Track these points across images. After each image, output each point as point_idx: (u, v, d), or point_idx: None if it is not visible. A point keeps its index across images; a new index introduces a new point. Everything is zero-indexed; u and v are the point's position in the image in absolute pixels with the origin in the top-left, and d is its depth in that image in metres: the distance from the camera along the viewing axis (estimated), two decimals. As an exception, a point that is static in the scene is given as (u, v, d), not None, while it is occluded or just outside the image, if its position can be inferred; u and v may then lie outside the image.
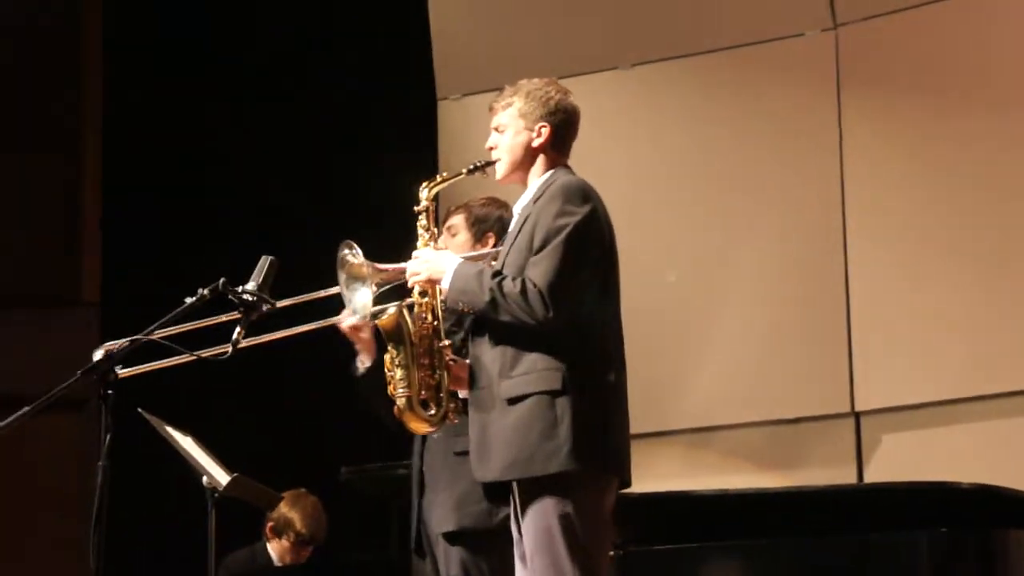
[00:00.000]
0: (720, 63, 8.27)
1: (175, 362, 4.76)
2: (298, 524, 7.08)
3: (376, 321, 4.48)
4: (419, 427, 4.47)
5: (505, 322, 4.24)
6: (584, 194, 4.35)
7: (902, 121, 7.81)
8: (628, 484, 4.38)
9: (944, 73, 7.77)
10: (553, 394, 4.21)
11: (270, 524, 7.14)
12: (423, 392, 4.42)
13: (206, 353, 4.60)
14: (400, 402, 4.42)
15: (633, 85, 8.42)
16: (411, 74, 8.81)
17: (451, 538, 4.91)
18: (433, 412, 4.43)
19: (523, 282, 4.22)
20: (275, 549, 7.19)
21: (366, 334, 4.94)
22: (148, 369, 4.80)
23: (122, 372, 4.36)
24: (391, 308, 4.47)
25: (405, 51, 8.87)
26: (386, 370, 4.45)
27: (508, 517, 4.74)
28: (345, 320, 4.91)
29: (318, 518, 7.13)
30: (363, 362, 4.96)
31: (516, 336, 4.26)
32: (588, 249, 4.29)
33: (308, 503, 7.12)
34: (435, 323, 4.45)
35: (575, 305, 4.23)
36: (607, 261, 4.36)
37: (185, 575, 6.12)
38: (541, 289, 4.19)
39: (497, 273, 4.29)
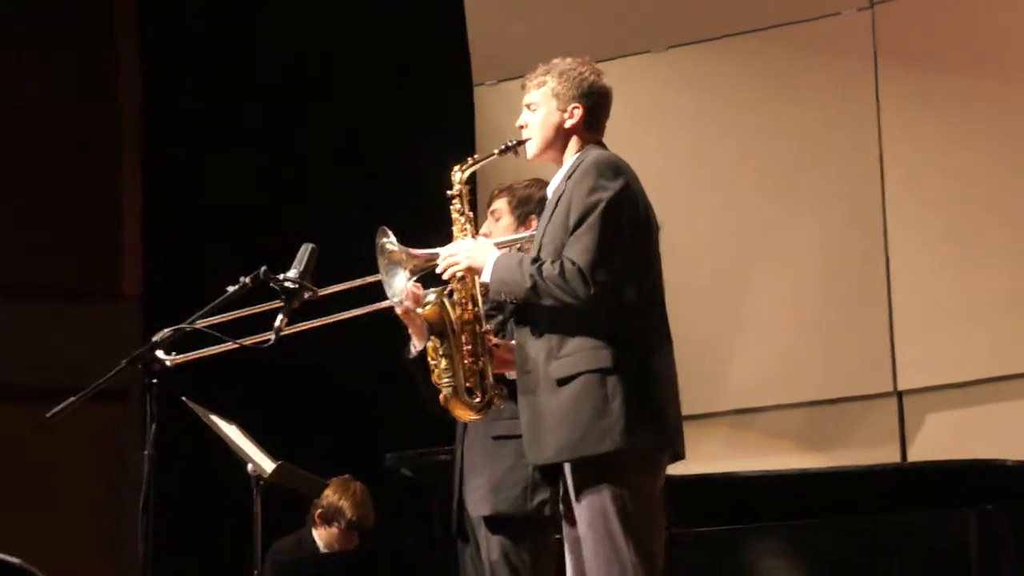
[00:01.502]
0: (755, 44, 8.25)
1: (219, 350, 4.77)
2: (348, 511, 7.10)
3: (418, 311, 4.48)
4: (465, 415, 4.47)
5: (549, 306, 4.24)
6: (616, 168, 4.33)
7: (940, 98, 7.78)
8: (681, 456, 4.36)
9: (980, 49, 7.74)
10: (603, 372, 4.20)
11: (319, 511, 7.16)
12: (468, 380, 4.41)
13: (249, 341, 4.62)
14: (445, 391, 4.42)
15: (668, 68, 8.40)
16: (447, 60, 8.81)
17: (490, 523, 4.92)
18: (478, 399, 4.42)
19: (561, 263, 4.21)
20: (322, 536, 7.21)
21: (421, 320, 4.94)
22: (194, 357, 4.81)
23: (170, 359, 4.38)
24: (431, 297, 4.46)
25: (441, 37, 8.87)
26: (430, 359, 4.46)
27: (544, 502, 4.78)
28: (404, 303, 4.90)
29: (366, 504, 7.16)
30: (416, 346, 4.96)
31: (560, 319, 4.25)
32: (624, 223, 4.27)
33: (356, 489, 7.14)
34: (476, 309, 4.45)
35: (616, 279, 4.22)
36: (644, 234, 4.34)
37: (232, 562, 6.15)
38: (581, 267, 4.19)
39: (536, 259, 4.28)
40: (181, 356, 4.65)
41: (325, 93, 9.00)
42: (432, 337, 4.45)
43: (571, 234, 4.27)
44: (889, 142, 7.86)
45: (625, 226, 4.28)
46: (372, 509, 7.19)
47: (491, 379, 4.42)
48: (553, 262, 4.24)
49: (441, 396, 4.44)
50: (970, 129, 7.72)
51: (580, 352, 4.24)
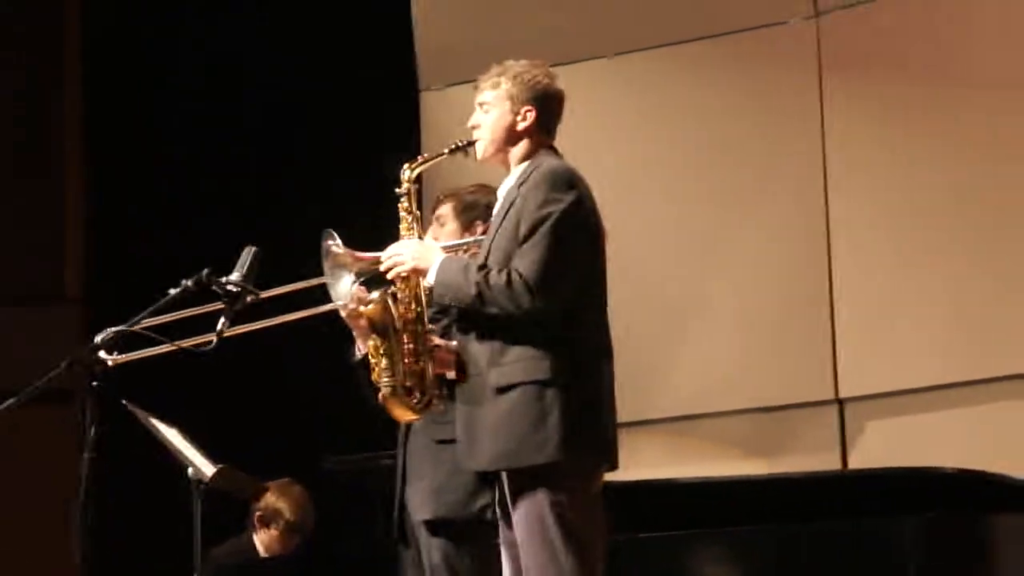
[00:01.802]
0: (702, 51, 8.27)
1: (160, 351, 4.75)
2: (287, 513, 7.08)
3: (361, 310, 4.47)
4: (403, 414, 4.45)
5: (492, 314, 4.23)
6: (570, 180, 4.32)
7: (884, 106, 7.82)
8: (615, 467, 4.37)
9: (926, 59, 7.78)
10: (542, 384, 4.19)
11: (258, 514, 7.13)
12: (408, 380, 4.40)
13: (190, 343, 4.60)
14: (384, 390, 4.40)
15: (615, 74, 8.42)
16: (392, 64, 8.79)
17: (431, 527, 4.91)
18: (417, 399, 4.41)
19: (509, 273, 4.20)
20: (262, 540, 7.18)
21: (365, 321, 4.93)
22: (135, 358, 4.78)
23: (111, 359, 4.36)
24: (375, 295, 4.46)
25: (387, 41, 8.85)
26: (370, 358, 4.45)
27: (486, 506, 4.77)
28: (349, 305, 4.89)
29: (306, 507, 7.13)
30: (360, 348, 4.96)
31: (503, 326, 4.25)
32: (574, 237, 4.26)
33: (296, 492, 7.12)
34: (418, 309, 4.43)
35: (561, 293, 4.22)
36: (593, 248, 4.34)
37: (171, 566, 6.11)
38: (527, 279, 4.18)
39: (483, 266, 4.28)
40: (123, 356, 4.63)
41: (270, 92, 8.97)
42: (374, 336, 4.44)
43: (520, 245, 4.25)
44: (833, 151, 7.90)
45: (575, 240, 4.27)
46: (312, 511, 7.16)
47: (431, 379, 4.40)
48: (500, 271, 4.23)
49: (380, 395, 4.42)
50: (914, 138, 7.76)
51: (521, 361, 4.23)
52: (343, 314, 4.82)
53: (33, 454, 9.07)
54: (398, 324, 4.41)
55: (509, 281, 4.19)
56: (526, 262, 4.21)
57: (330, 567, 6.77)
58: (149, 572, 7.73)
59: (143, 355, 4.86)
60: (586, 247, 4.31)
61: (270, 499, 6.97)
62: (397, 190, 4.50)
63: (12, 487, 9.09)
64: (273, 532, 7.13)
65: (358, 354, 4.92)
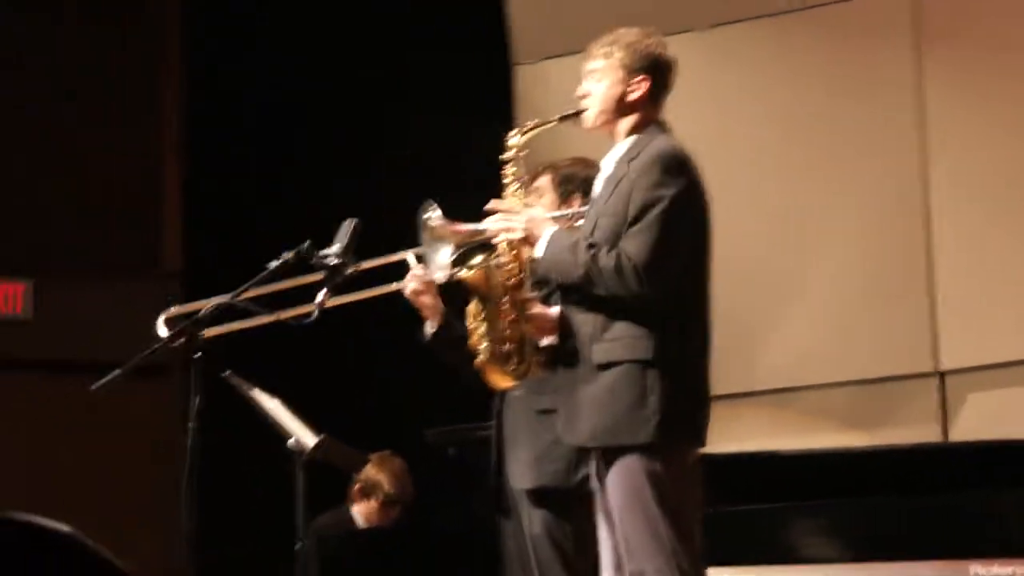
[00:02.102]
0: (798, 23, 8.23)
1: (259, 323, 4.78)
2: (386, 485, 7.13)
3: (464, 275, 4.44)
4: (500, 380, 4.43)
5: (600, 295, 4.21)
6: (681, 164, 4.27)
7: (983, 76, 7.75)
8: (704, 444, 4.34)
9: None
10: (644, 364, 4.17)
11: (357, 486, 7.18)
12: (507, 345, 4.37)
13: (290, 315, 4.63)
14: (482, 355, 4.38)
15: (711, 47, 8.37)
16: (487, 39, 8.79)
17: (533, 497, 4.91)
18: (515, 366, 4.38)
19: (618, 256, 4.16)
20: (361, 511, 7.23)
21: (428, 298, 4.93)
22: (233, 330, 4.82)
23: (209, 332, 4.39)
24: (477, 259, 4.42)
25: (480, 16, 8.85)
26: (469, 323, 4.43)
27: (588, 477, 4.76)
28: (408, 285, 4.91)
29: (405, 478, 7.18)
30: (431, 327, 4.97)
31: (608, 301, 4.22)
32: (684, 223, 4.23)
33: (395, 464, 7.16)
34: (521, 275, 4.39)
35: (669, 279, 4.18)
36: (702, 232, 4.30)
37: (274, 537, 6.16)
38: (637, 264, 4.14)
39: (591, 245, 4.23)
40: (219, 328, 4.67)
41: (368, 68, 8.99)
42: (474, 301, 4.41)
43: (629, 226, 4.21)
44: (932, 121, 7.83)
45: (684, 227, 4.24)
46: (411, 483, 7.20)
47: (530, 346, 4.37)
48: (609, 251, 4.19)
49: (478, 360, 4.40)
50: (1014, 108, 7.68)
51: (623, 339, 4.21)
52: (406, 294, 4.83)
53: (130, 427, 9.18)
54: (499, 289, 4.38)
55: (619, 265, 4.15)
56: (636, 245, 4.17)
57: (430, 538, 6.80)
58: (253, 542, 7.81)
59: (241, 327, 4.89)
60: (694, 233, 4.28)
61: (370, 471, 7.02)
62: (503, 156, 4.45)
63: (114, 458, 9.21)
64: (373, 504, 7.18)
65: (428, 332, 4.93)
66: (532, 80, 8.64)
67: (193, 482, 4.24)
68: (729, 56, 8.39)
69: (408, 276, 4.96)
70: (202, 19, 9.48)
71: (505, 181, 4.46)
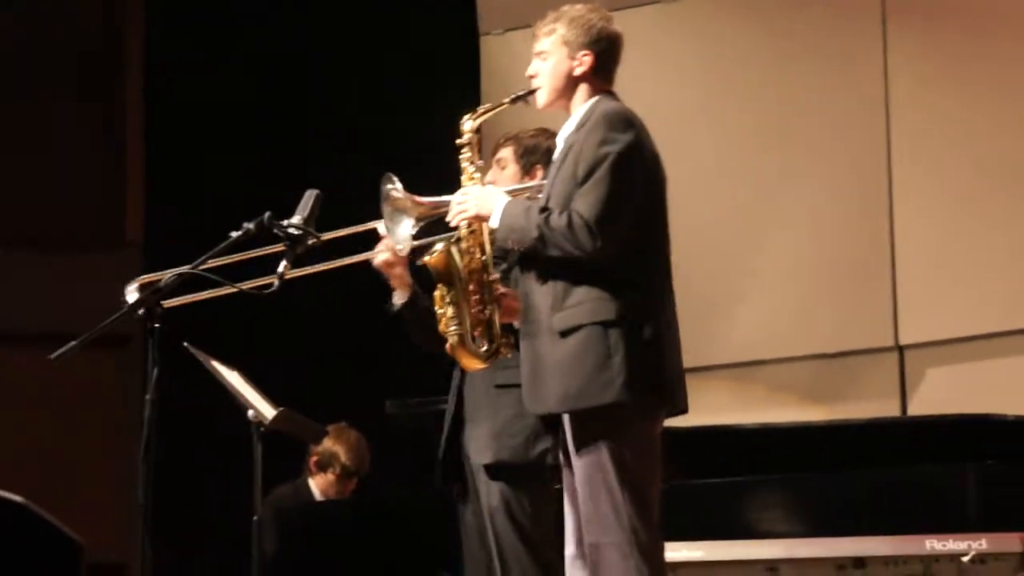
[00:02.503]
0: (764, -2, 8.23)
1: (219, 293, 4.76)
2: (343, 456, 7.12)
3: (424, 259, 4.45)
4: (471, 363, 4.43)
5: (554, 256, 4.23)
6: (627, 121, 4.30)
7: (948, 50, 7.77)
8: (684, 410, 4.35)
9: (991, 8, 7.77)
10: (606, 324, 4.18)
11: (314, 458, 7.18)
12: (475, 329, 4.38)
13: (251, 285, 4.61)
14: (452, 339, 4.38)
15: (677, 20, 8.37)
16: (452, 9, 8.77)
17: (491, 470, 4.92)
18: (485, 348, 4.39)
19: (569, 215, 4.18)
20: (318, 484, 7.23)
21: (399, 269, 4.93)
22: (193, 300, 4.80)
23: (168, 303, 4.37)
24: (439, 245, 4.43)
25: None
26: (436, 308, 4.43)
27: (546, 451, 4.78)
28: (378, 255, 4.92)
29: (362, 450, 7.17)
30: (399, 297, 4.97)
31: (566, 269, 4.23)
32: (633, 177, 4.24)
33: (352, 436, 7.16)
34: (483, 257, 4.40)
35: (623, 234, 4.20)
36: (653, 188, 4.32)
37: (232, 508, 6.16)
38: (588, 220, 4.16)
39: (544, 208, 4.26)
40: (179, 299, 4.65)
41: (330, 38, 8.96)
42: (439, 285, 4.42)
43: (579, 186, 4.23)
44: (896, 98, 7.85)
45: (634, 180, 4.25)
46: (368, 456, 7.20)
47: (498, 328, 4.39)
48: (561, 213, 4.21)
49: (448, 344, 4.40)
50: (977, 86, 7.71)
51: (584, 303, 4.22)
52: (375, 264, 4.84)
53: (91, 397, 9.16)
54: (463, 273, 4.39)
55: (570, 223, 4.17)
56: (586, 203, 4.19)
57: (388, 510, 6.79)
58: (209, 513, 7.80)
59: (201, 297, 4.87)
60: (645, 186, 4.29)
61: (327, 443, 7.01)
62: (458, 141, 4.47)
63: (71, 429, 9.18)
64: (330, 476, 7.18)
65: (396, 304, 4.93)
66: (497, 51, 8.61)
67: (150, 453, 4.22)
68: (692, 29, 8.39)
69: (379, 245, 4.94)
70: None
71: (462, 166, 4.47)
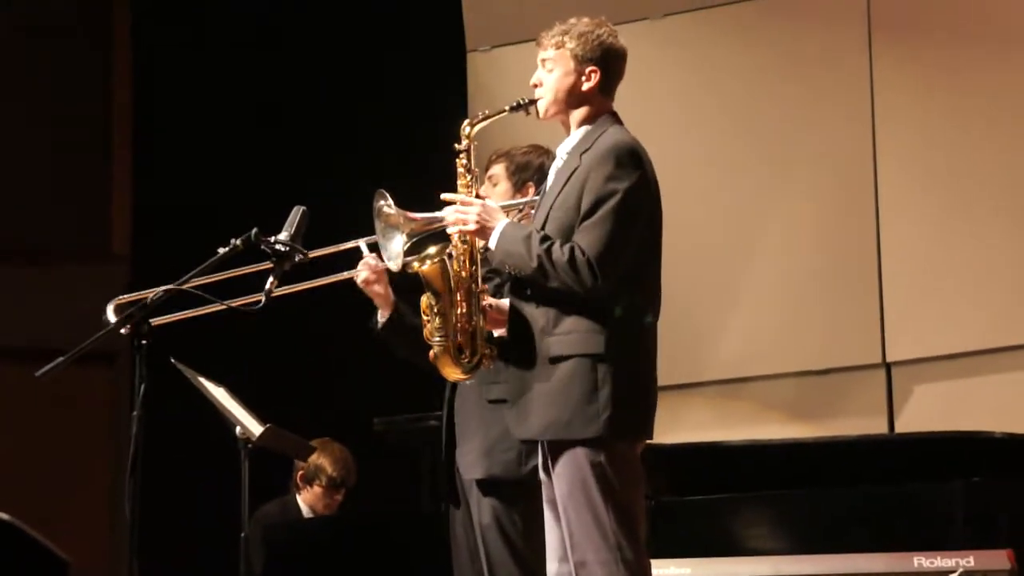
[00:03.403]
0: (750, 13, 8.23)
1: (207, 311, 4.76)
2: (328, 468, 7.12)
3: (418, 268, 4.44)
4: (453, 373, 4.43)
5: (553, 287, 4.22)
6: (636, 158, 4.27)
7: (934, 68, 7.77)
8: (650, 437, 4.36)
9: (975, 20, 7.72)
10: (595, 358, 4.18)
11: (300, 473, 7.18)
12: (459, 337, 4.38)
13: (239, 302, 4.61)
14: (435, 348, 4.38)
15: (663, 36, 8.37)
16: (440, 26, 8.77)
17: (483, 486, 4.92)
18: (468, 359, 4.39)
19: (572, 250, 4.17)
20: (306, 499, 7.22)
21: (380, 287, 4.96)
22: (181, 318, 4.80)
23: (155, 321, 4.37)
24: (432, 252, 4.42)
25: (434, 2, 8.83)
26: (423, 315, 4.43)
27: (537, 466, 4.78)
28: (359, 274, 4.93)
29: (347, 461, 7.17)
30: (382, 316, 4.97)
31: (560, 295, 4.23)
32: (638, 217, 4.23)
33: (336, 448, 7.16)
34: (472, 268, 4.40)
35: (622, 271, 4.19)
36: (655, 225, 4.31)
37: (218, 525, 6.14)
38: (590, 258, 4.15)
39: (545, 237, 4.23)
40: (166, 317, 4.65)
41: (318, 55, 8.96)
42: (428, 294, 4.42)
43: (583, 220, 4.22)
44: (882, 113, 7.85)
45: (639, 218, 4.24)
46: (354, 467, 7.20)
47: (482, 339, 4.38)
48: (563, 245, 4.19)
49: (431, 353, 4.39)
50: (963, 100, 7.71)
51: (574, 334, 4.21)
52: (358, 282, 4.86)
53: (78, 413, 9.14)
54: (453, 283, 4.39)
55: (572, 258, 4.16)
56: (590, 239, 4.18)
57: (379, 527, 6.79)
58: (197, 531, 7.78)
59: (188, 315, 4.87)
60: (648, 223, 4.28)
61: (311, 457, 7.00)
62: (456, 146, 4.44)
63: (58, 445, 9.16)
64: (316, 489, 7.17)
65: (380, 320, 4.94)
66: (485, 67, 8.61)
67: (137, 469, 4.21)
68: (682, 45, 8.39)
69: (360, 264, 4.97)
70: (154, 3, 9.42)
71: (458, 172, 4.45)
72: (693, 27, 8.34)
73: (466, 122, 4.44)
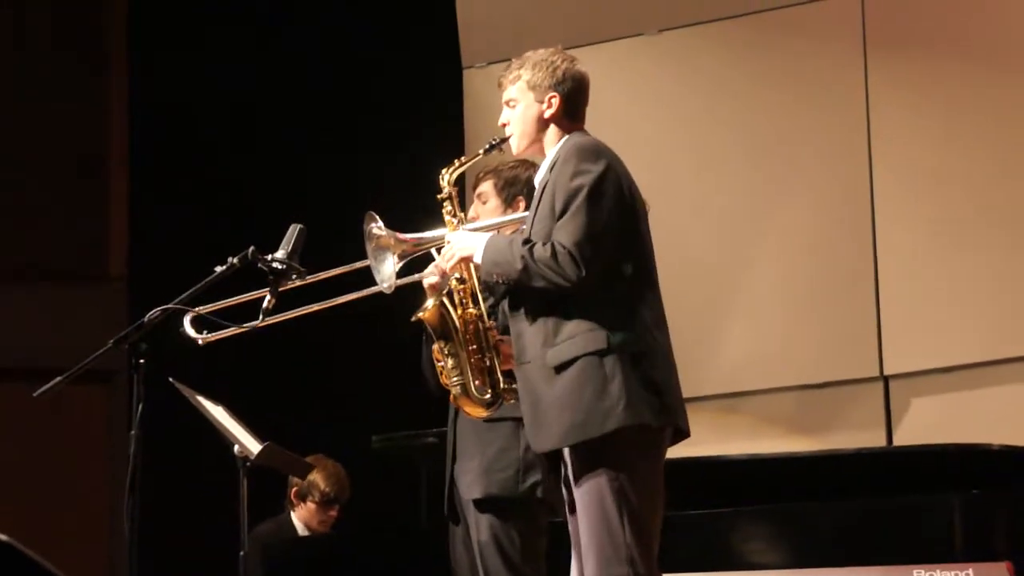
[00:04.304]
0: (746, 28, 8.24)
1: (236, 331, 4.75)
2: (322, 484, 7.11)
3: (419, 315, 4.47)
4: (476, 411, 4.46)
5: (540, 289, 4.23)
6: (596, 151, 4.34)
7: (929, 83, 7.78)
8: (686, 434, 4.35)
9: (970, 36, 7.74)
10: (600, 354, 4.20)
11: (294, 489, 7.17)
12: (476, 378, 4.42)
13: (232, 331, 4.62)
14: (455, 390, 4.43)
15: (659, 51, 8.39)
16: (436, 43, 8.79)
17: (480, 505, 4.92)
18: (488, 395, 4.42)
19: (552, 245, 4.21)
20: (300, 516, 7.21)
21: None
22: (217, 337, 4.76)
23: (201, 338, 4.41)
24: (430, 301, 4.45)
25: (430, 19, 8.85)
26: (435, 360, 4.45)
27: (536, 484, 4.79)
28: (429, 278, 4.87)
29: (340, 477, 7.16)
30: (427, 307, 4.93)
31: (554, 305, 4.26)
32: (609, 204, 4.27)
33: (329, 464, 7.15)
34: (477, 308, 4.45)
35: (604, 261, 4.23)
36: (630, 214, 4.34)
37: (218, 543, 6.14)
38: (571, 249, 4.19)
39: (527, 241, 4.28)
40: (212, 335, 4.67)
41: (315, 74, 8.97)
42: (437, 339, 4.44)
43: (558, 218, 4.26)
44: (878, 128, 7.87)
45: (611, 207, 4.27)
46: (347, 482, 7.19)
47: (499, 374, 4.42)
48: (544, 244, 4.23)
49: (451, 396, 4.45)
50: (959, 115, 7.72)
51: (576, 336, 4.23)
52: (425, 285, 4.79)
53: (76, 432, 9.14)
54: (459, 324, 4.43)
55: (554, 253, 4.20)
56: (566, 232, 4.22)
57: (377, 545, 6.78)
58: (197, 549, 7.77)
59: (226, 335, 4.81)
60: (621, 212, 4.31)
61: (305, 474, 7.01)
62: (439, 196, 4.50)
63: (56, 465, 9.16)
64: (310, 506, 7.16)
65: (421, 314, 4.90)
66: (481, 84, 8.63)
67: (136, 489, 4.21)
68: (678, 60, 8.40)
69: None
70: (149, 24, 9.43)
71: (445, 219, 4.50)
72: (689, 42, 8.35)
73: (443, 171, 4.50)
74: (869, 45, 7.91)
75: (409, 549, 6.56)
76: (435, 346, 4.45)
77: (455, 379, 4.42)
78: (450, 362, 4.42)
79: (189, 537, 8.05)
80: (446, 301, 4.45)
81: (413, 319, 4.51)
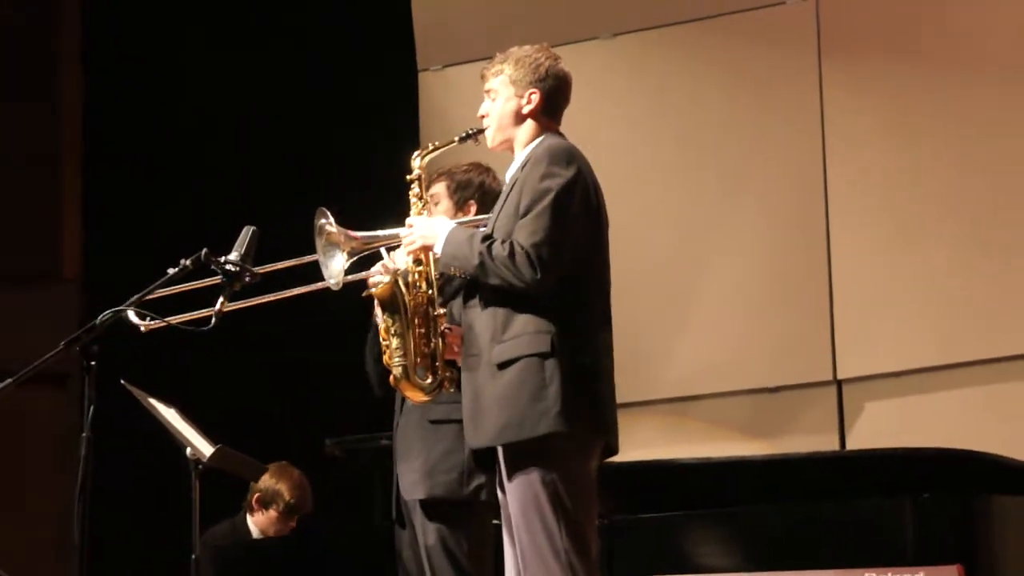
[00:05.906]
0: (701, 32, 8.26)
1: (155, 325, 4.75)
2: (287, 494, 7.08)
3: (370, 290, 4.47)
4: (415, 396, 4.46)
5: (495, 285, 4.24)
6: (569, 156, 4.35)
7: (883, 88, 7.82)
8: (615, 451, 4.38)
9: (924, 40, 7.78)
10: (542, 356, 4.22)
11: (256, 496, 7.14)
12: (419, 360, 4.40)
13: (180, 318, 4.61)
14: (396, 371, 4.41)
15: (614, 55, 8.40)
16: (391, 45, 8.78)
17: (427, 509, 4.90)
18: (429, 381, 4.42)
19: (511, 245, 4.22)
20: (258, 522, 7.18)
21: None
22: (155, 327, 4.75)
23: (144, 324, 4.39)
24: (385, 277, 4.45)
25: (385, 22, 8.84)
26: (381, 339, 4.45)
27: (481, 487, 4.79)
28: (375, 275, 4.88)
29: (304, 488, 7.14)
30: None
31: (506, 301, 4.27)
32: (574, 211, 4.28)
33: (294, 473, 7.12)
34: (430, 292, 4.45)
35: (562, 267, 4.23)
36: (595, 222, 4.36)
37: (169, 546, 6.12)
38: (528, 251, 4.20)
39: (487, 237, 4.29)
40: (153, 323, 4.66)
41: (269, 76, 8.95)
42: (384, 316, 4.43)
43: (521, 217, 4.27)
44: (832, 132, 7.89)
45: (575, 213, 4.29)
46: (310, 494, 7.17)
47: (442, 361, 4.42)
48: (503, 242, 4.24)
49: (391, 376, 4.43)
50: (913, 119, 7.76)
51: (522, 336, 4.25)
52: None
53: (27, 434, 9.08)
54: (409, 306, 4.42)
55: (512, 253, 4.21)
56: (526, 233, 4.23)
57: (327, 548, 6.77)
58: (149, 552, 7.73)
59: (161, 324, 4.81)
60: (586, 221, 4.32)
61: (269, 481, 6.98)
62: (408, 176, 4.52)
63: (5, 467, 9.10)
64: (272, 514, 7.14)
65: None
66: (436, 87, 8.62)
67: (87, 491, 4.20)
68: (633, 64, 8.42)
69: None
70: (104, 22, 9.39)
71: (411, 203, 4.52)
72: (643, 47, 8.37)
73: (416, 153, 4.53)
74: (823, 49, 7.94)
75: (362, 553, 6.55)
76: (382, 324, 4.44)
77: (398, 360, 4.40)
78: (395, 342, 4.41)
79: (141, 540, 8.01)
80: (400, 280, 4.44)
81: (364, 295, 4.53)
